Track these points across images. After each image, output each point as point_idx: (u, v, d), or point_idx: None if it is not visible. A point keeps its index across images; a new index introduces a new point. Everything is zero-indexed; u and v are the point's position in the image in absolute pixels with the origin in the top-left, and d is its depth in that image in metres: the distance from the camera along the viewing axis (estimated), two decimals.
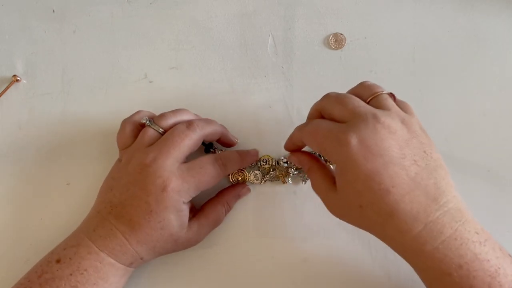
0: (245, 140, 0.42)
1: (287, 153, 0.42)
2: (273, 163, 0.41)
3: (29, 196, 0.42)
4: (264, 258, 0.40)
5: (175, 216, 0.35)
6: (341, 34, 0.44)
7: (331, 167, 0.39)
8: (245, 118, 0.43)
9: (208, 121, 0.38)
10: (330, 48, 0.45)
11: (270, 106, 0.44)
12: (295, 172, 0.41)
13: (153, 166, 0.34)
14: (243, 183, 0.41)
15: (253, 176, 0.41)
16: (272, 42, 0.45)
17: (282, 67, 0.44)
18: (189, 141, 0.35)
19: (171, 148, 0.35)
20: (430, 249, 0.29)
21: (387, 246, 0.40)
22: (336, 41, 0.44)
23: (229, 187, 0.41)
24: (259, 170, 0.41)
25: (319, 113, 0.35)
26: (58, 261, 0.34)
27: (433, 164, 0.30)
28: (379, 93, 0.33)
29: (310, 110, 0.36)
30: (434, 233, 0.28)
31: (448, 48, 0.44)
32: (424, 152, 0.30)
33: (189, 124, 0.36)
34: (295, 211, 0.41)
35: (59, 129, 0.43)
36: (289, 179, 0.41)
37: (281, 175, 0.41)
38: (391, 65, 0.44)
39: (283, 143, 0.42)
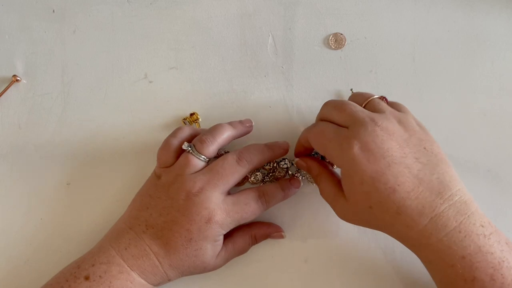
0: (245, 140, 0.42)
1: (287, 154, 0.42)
2: (274, 165, 0.41)
3: (29, 196, 0.42)
4: (264, 258, 0.40)
5: (211, 246, 0.35)
6: (341, 34, 0.44)
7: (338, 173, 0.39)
8: (245, 118, 0.43)
9: (255, 152, 0.37)
10: (330, 48, 0.45)
11: (270, 106, 0.44)
12: (301, 178, 0.41)
13: (200, 196, 0.34)
14: (278, 226, 0.41)
15: (253, 177, 0.40)
16: (272, 42, 0.45)
17: (282, 67, 0.44)
18: (238, 175, 0.36)
19: (219, 180, 0.35)
20: (434, 242, 0.29)
21: (386, 246, 0.40)
22: (336, 41, 0.44)
23: (262, 223, 0.40)
24: (259, 171, 0.41)
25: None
26: (87, 278, 0.33)
27: (435, 159, 0.31)
28: (371, 99, 0.35)
29: (316, 120, 0.37)
30: (438, 226, 0.29)
31: (448, 48, 0.44)
32: (425, 148, 0.31)
33: (239, 158, 0.36)
34: (295, 211, 0.41)
35: (59, 129, 0.43)
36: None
37: (279, 176, 0.41)
38: (391, 65, 0.44)
39: None
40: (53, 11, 0.46)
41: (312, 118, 0.43)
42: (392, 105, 0.36)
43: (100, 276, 0.33)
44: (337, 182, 0.35)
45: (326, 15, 0.45)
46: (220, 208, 0.34)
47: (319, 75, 0.44)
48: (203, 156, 0.36)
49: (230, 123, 0.39)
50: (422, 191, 0.30)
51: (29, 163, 0.43)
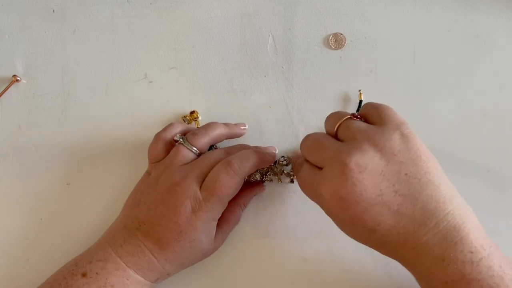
0: (245, 140, 0.42)
1: (287, 153, 0.42)
2: (272, 164, 0.41)
3: (29, 196, 0.42)
4: (264, 258, 0.40)
5: (205, 234, 0.34)
6: (341, 34, 0.44)
7: None
8: (245, 118, 0.43)
9: (244, 155, 0.36)
10: (330, 48, 0.44)
11: (270, 106, 0.44)
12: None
13: (181, 185, 0.34)
14: (258, 182, 0.41)
15: (251, 178, 0.40)
16: (272, 42, 0.45)
17: (282, 67, 0.44)
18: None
19: (204, 168, 0.34)
20: (417, 267, 0.29)
21: None
22: (336, 41, 0.44)
23: (245, 189, 0.40)
24: (258, 171, 0.41)
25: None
26: (84, 275, 0.33)
27: (418, 185, 0.28)
28: (340, 123, 0.31)
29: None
30: (421, 255, 0.28)
31: (448, 48, 0.44)
32: (406, 174, 0.28)
33: (227, 153, 0.36)
34: (295, 211, 0.41)
35: (59, 129, 0.43)
36: (292, 178, 0.41)
37: (278, 172, 0.41)
38: (391, 65, 0.44)
39: (283, 143, 0.42)
40: (53, 11, 0.46)
41: (312, 118, 0.43)
42: (369, 112, 0.32)
43: (96, 273, 0.33)
44: None
45: (326, 15, 0.45)
46: (199, 195, 0.34)
47: (319, 75, 0.44)
48: (194, 148, 0.36)
49: (224, 123, 0.39)
50: (403, 225, 0.28)
51: (29, 163, 0.43)
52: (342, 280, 0.39)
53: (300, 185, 0.33)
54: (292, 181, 0.41)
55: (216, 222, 0.35)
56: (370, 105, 0.32)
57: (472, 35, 0.44)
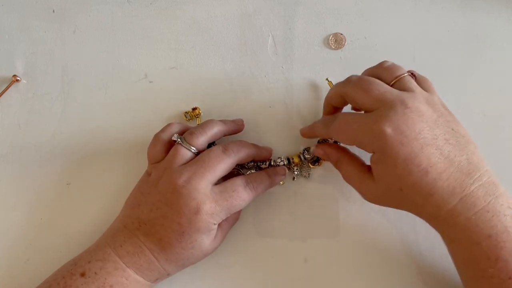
0: (244, 140, 0.42)
1: (286, 152, 0.42)
2: (271, 163, 0.41)
3: (29, 196, 0.42)
4: (264, 258, 0.40)
5: (206, 236, 0.35)
6: (341, 34, 0.44)
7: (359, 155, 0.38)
8: (245, 118, 0.43)
9: (241, 144, 0.38)
10: (330, 48, 0.45)
11: (270, 106, 0.44)
12: (296, 173, 0.41)
13: (187, 187, 0.34)
14: None
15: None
16: (272, 42, 0.45)
17: (282, 67, 0.44)
18: (224, 165, 0.35)
19: (206, 170, 0.34)
20: (462, 220, 0.30)
21: (386, 246, 0.40)
22: (336, 41, 0.44)
23: None
24: (254, 170, 0.41)
25: (341, 97, 0.35)
26: (82, 274, 0.33)
27: (462, 140, 0.31)
28: (401, 76, 0.34)
29: (330, 94, 0.37)
30: (467, 205, 0.30)
31: (448, 48, 0.44)
32: (452, 129, 0.31)
33: (225, 149, 0.36)
34: (295, 211, 0.41)
35: (59, 129, 0.43)
36: (294, 176, 0.41)
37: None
38: None
39: (283, 143, 0.42)
40: (53, 11, 0.46)
41: (312, 118, 0.43)
42: (420, 81, 0.35)
43: (95, 273, 0.33)
44: (360, 164, 0.35)
45: (326, 15, 0.45)
46: (208, 198, 0.34)
47: (319, 75, 0.44)
48: (192, 147, 0.36)
49: (221, 120, 0.40)
50: (453, 172, 0.30)
51: (29, 163, 0.43)
52: (342, 281, 0.39)
53: (339, 131, 0.34)
54: (293, 179, 0.41)
55: (216, 225, 0.36)
56: (417, 74, 0.36)
57: (472, 35, 0.44)
